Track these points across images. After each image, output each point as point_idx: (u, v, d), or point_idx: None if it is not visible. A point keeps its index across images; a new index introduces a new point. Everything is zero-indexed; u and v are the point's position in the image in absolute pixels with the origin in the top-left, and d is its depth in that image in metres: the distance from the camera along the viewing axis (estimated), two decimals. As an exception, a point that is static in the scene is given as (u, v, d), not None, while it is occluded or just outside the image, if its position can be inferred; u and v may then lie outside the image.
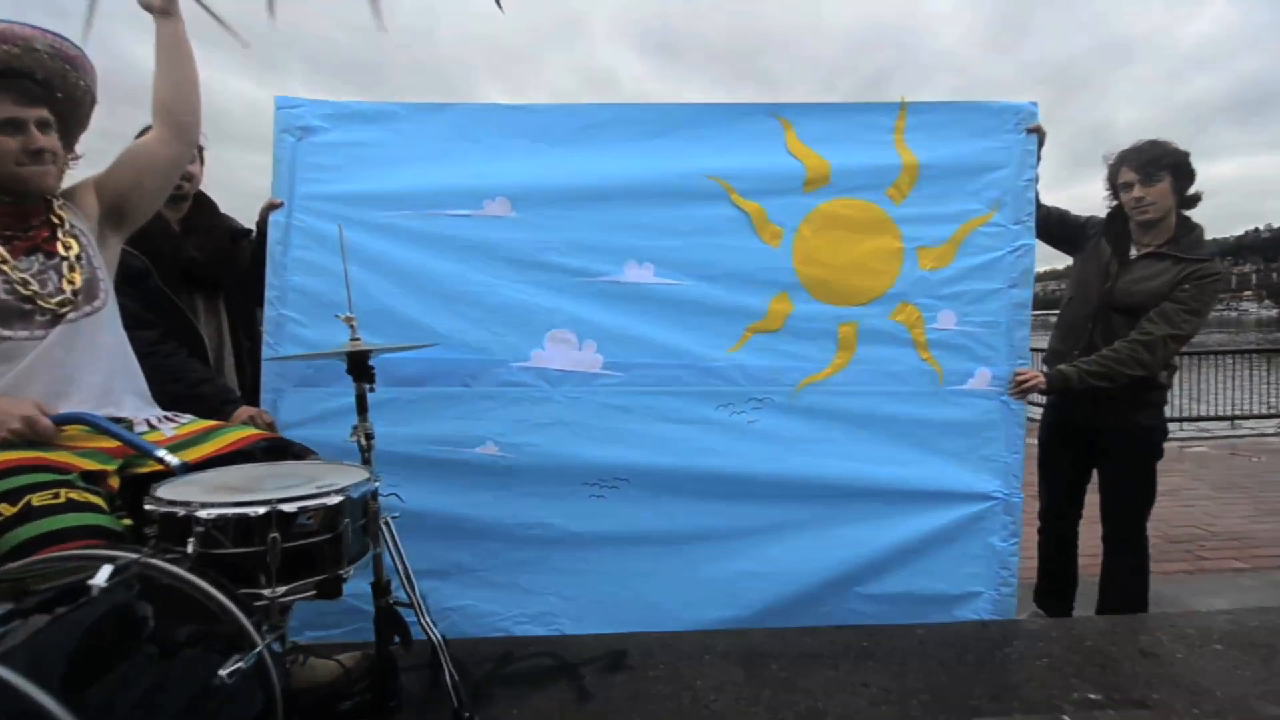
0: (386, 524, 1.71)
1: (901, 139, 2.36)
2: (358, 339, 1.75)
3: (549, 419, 2.26)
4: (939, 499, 2.33)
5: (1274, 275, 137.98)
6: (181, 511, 1.22)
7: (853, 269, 2.34)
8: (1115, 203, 2.43)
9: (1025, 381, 2.32)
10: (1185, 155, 2.28)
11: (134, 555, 1.06)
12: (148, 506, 1.25)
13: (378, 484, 1.51)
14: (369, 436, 1.73)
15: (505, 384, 2.27)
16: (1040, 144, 2.38)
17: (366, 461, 1.70)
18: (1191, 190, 2.32)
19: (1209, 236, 2.39)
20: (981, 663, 2.02)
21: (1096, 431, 2.42)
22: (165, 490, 1.29)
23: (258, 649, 1.06)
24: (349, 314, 1.76)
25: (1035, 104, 2.38)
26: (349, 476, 1.43)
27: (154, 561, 1.08)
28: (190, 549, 1.19)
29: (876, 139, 2.36)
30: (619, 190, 2.30)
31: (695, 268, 2.31)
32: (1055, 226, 2.51)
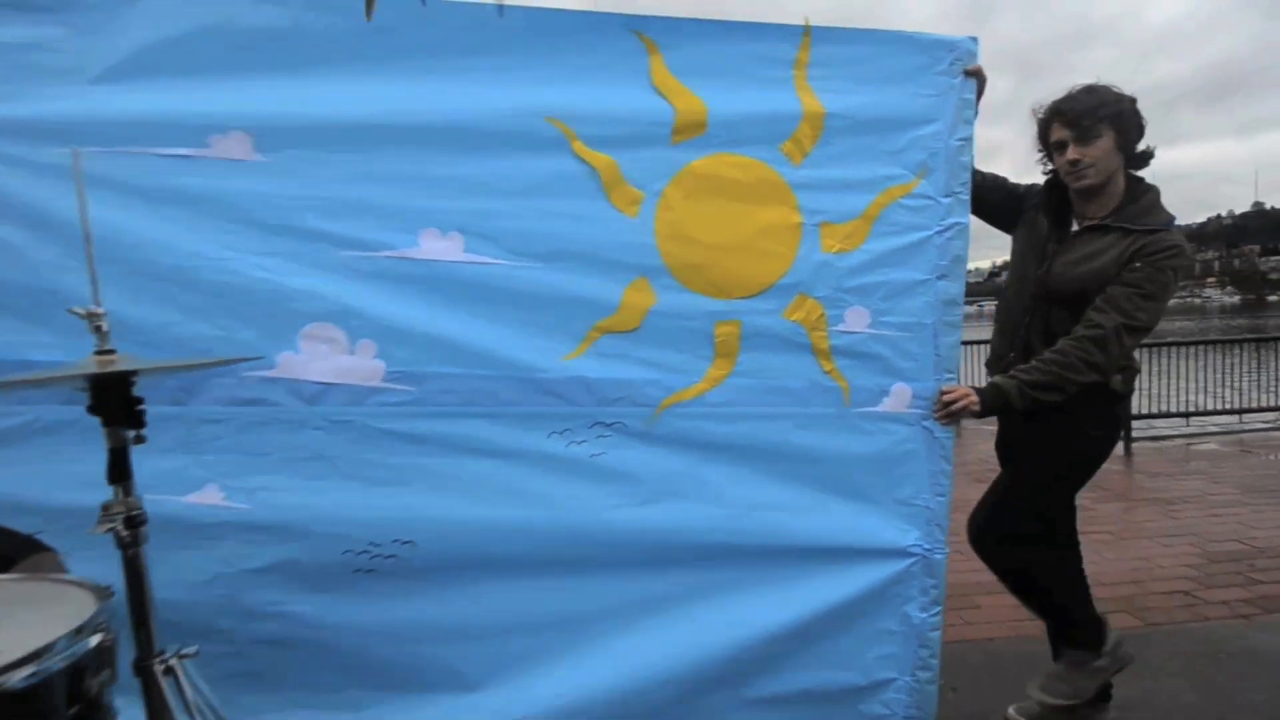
0: (170, 672, 1.20)
1: (804, 78, 1.99)
2: (111, 350, 1.22)
3: (303, 453, 1.80)
4: (844, 558, 2.00)
5: (1235, 262, 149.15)
6: None
7: (735, 249, 1.98)
8: (1051, 168, 2.18)
9: (954, 402, 2.03)
10: (1129, 102, 2.05)
11: None
12: None
13: (111, 636, 1.03)
14: (134, 523, 1.20)
15: (237, 402, 1.79)
16: (980, 92, 2.07)
17: (133, 569, 1.19)
18: (1142, 145, 2.09)
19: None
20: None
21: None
22: None
23: None
24: (93, 306, 1.25)
25: (975, 39, 2.07)
26: (61, 620, 0.96)
27: None
28: None
29: (771, 75, 1.98)
30: (413, 129, 1.83)
31: (521, 242, 1.88)
32: (989, 195, 2.24)
